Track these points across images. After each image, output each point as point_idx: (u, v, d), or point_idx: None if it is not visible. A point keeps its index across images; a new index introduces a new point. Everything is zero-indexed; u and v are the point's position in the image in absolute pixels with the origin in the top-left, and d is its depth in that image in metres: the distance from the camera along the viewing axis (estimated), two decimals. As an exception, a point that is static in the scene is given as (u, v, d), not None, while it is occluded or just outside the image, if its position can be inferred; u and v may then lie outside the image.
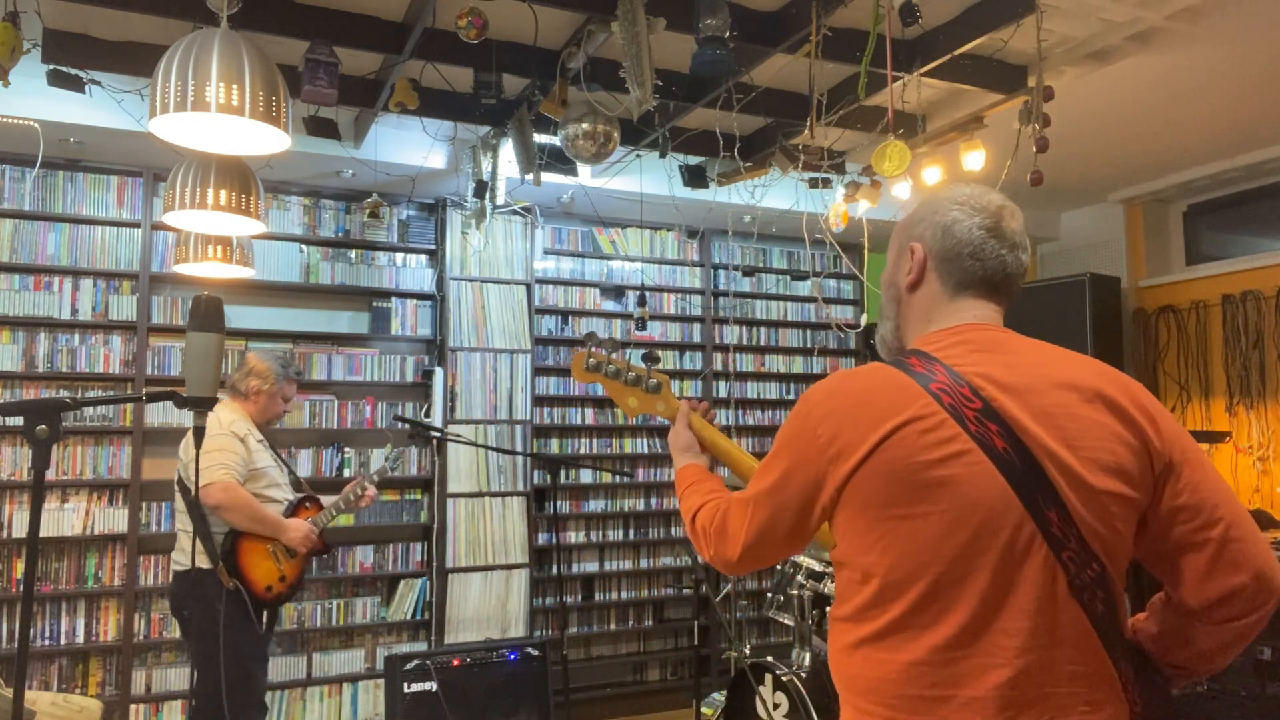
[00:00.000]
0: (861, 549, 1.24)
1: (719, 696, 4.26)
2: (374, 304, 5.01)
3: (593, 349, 1.76)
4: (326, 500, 3.63)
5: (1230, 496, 1.26)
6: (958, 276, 1.34)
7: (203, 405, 1.87)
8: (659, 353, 5.40)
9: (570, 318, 5.46)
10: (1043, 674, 1.17)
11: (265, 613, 3.39)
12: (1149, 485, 1.24)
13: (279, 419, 3.64)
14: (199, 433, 1.93)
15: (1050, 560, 1.18)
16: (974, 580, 1.18)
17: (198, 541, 3.29)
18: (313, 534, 3.47)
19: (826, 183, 4.70)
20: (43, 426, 1.58)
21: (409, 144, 4.52)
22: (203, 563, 3.30)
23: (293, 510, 3.50)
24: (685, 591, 5.49)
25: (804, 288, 6.10)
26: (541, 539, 5.17)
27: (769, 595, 3.91)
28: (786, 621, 3.77)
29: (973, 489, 1.18)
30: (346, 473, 4.82)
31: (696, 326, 5.76)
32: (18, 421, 1.63)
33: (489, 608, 4.93)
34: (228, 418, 3.40)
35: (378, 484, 3.74)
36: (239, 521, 3.29)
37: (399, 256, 5.11)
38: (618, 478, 5.45)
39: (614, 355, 1.77)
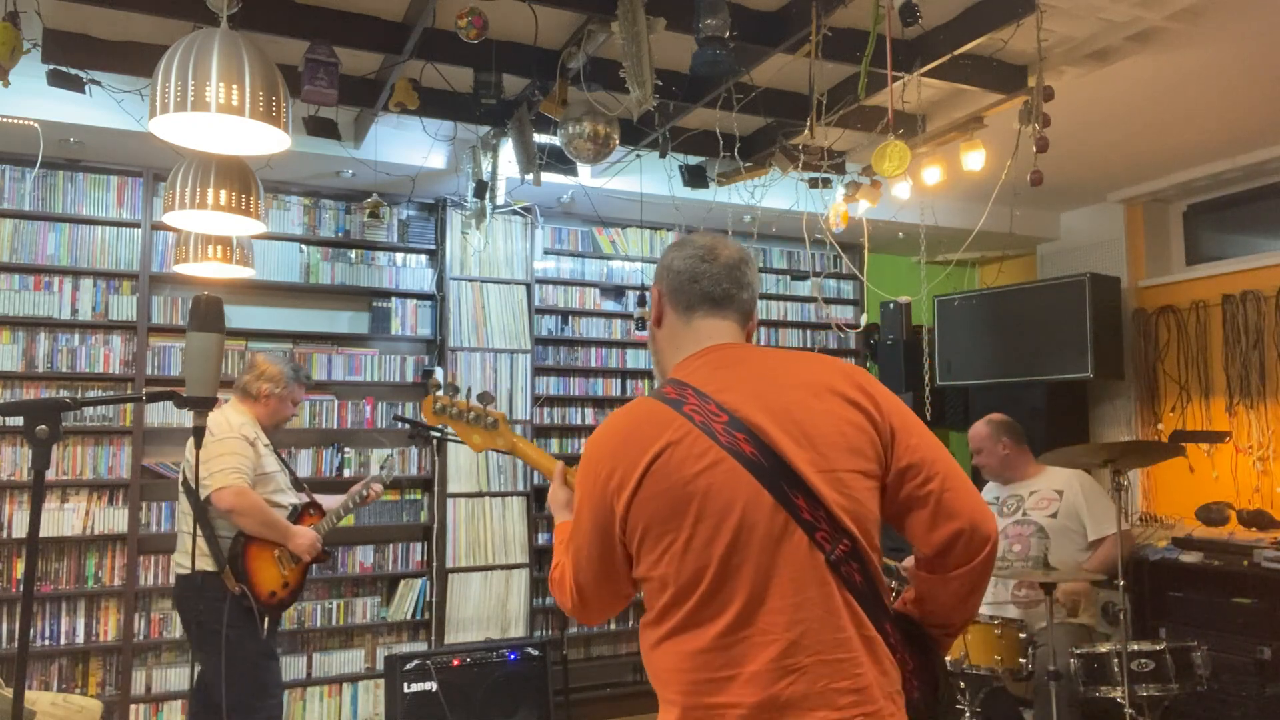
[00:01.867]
0: (652, 563, 1.39)
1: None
2: (374, 304, 5.00)
3: (437, 394, 1.95)
4: (328, 503, 3.63)
5: (945, 455, 1.46)
6: (684, 300, 1.55)
7: (203, 405, 1.88)
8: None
9: (570, 318, 5.46)
10: (812, 642, 1.32)
11: (267, 618, 3.37)
12: (881, 457, 1.42)
13: (286, 422, 3.62)
14: (199, 433, 1.93)
15: (805, 542, 1.34)
16: (743, 571, 1.34)
17: (202, 544, 3.27)
18: (318, 542, 3.47)
19: (826, 183, 4.70)
20: (43, 426, 1.58)
21: (409, 144, 4.52)
22: (206, 565, 3.27)
23: (297, 516, 3.48)
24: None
25: (804, 288, 6.10)
26: (541, 539, 5.17)
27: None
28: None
29: (730, 492, 1.34)
30: (347, 473, 4.82)
31: (696, 326, 5.74)
32: (18, 421, 1.64)
33: (489, 608, 4.93)
34: (237, 420, 3.38)
35: (386, 481, 3.78)
36: (250, 526, 3.26)
37: (399, 256, 5.11)
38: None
39: (456, 398, 1.96)
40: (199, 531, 3.28)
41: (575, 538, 1.50)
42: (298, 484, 3.63)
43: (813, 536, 1.34)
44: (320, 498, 3.66)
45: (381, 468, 4.04)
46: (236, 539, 3.27)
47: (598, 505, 1.43)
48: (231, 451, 3.26)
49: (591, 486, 1.45)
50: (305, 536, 3.42)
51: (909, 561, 1.55)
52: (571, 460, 1.89)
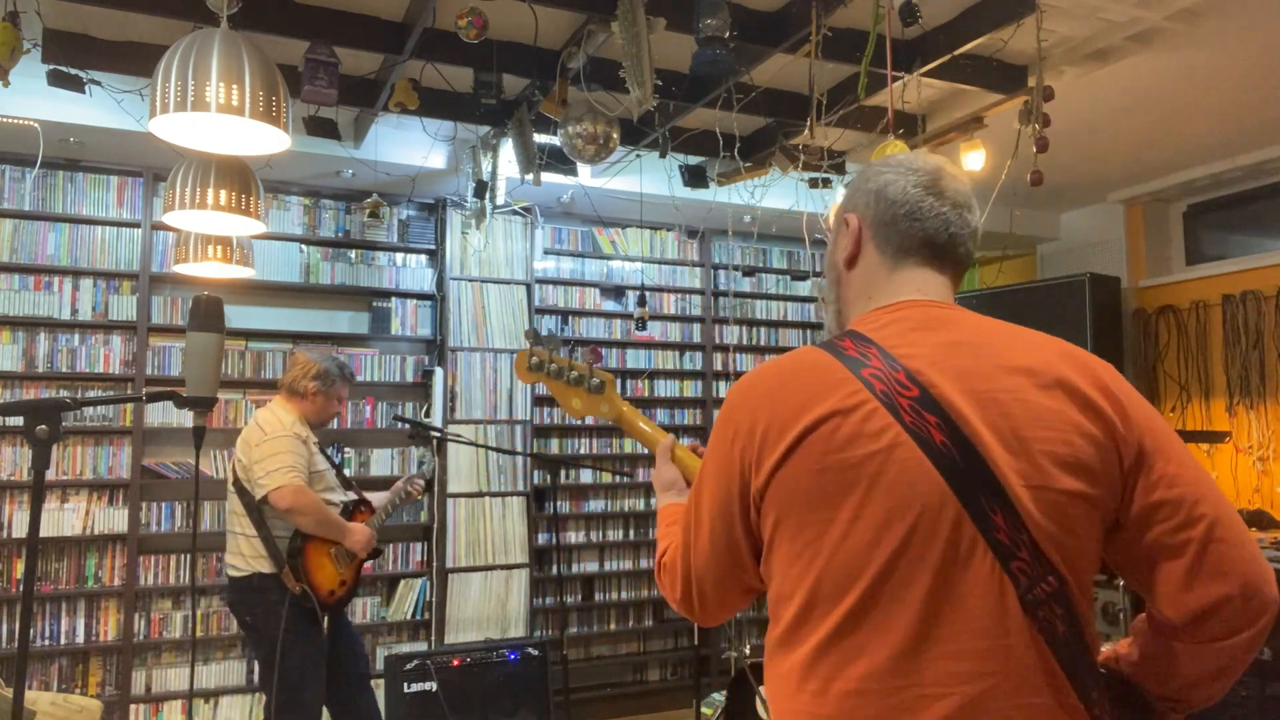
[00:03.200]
0: (787, 559, 1.10)
1: (719, 696, 4.25)
2: (374, 304, 5.00)
3: (534, 348, 1.68)
4: (375, 500, 3.65)
5: (1213, 492, 1.09)
6: (896, 242, 1.21)
7: (203, 405, 1.88)
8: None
9: (570, 318, 5.45)
10: (997, 706, 1.02)
11: (327, 617, 3.36)
12: (1116, 481, 1.08)
13: (332, 420, 3.62)
14: (199, 433, 1.93)
15: (996, 570, 1.03)
16: (909, 594, 1.03)
17: (259, 544, 3.25)
18: (373, 538, 3.48)
19: (826, 183, 4.70)
20: (43, 426, 1.58)
21: (409, 144, 4.52)
22: (263, 567, 3.25)
23: (349, 514, 3.48)
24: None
25: (804, 288, 6.09)
26: (541, 539, 5.17)
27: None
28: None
29: (906, 487, 1.04)
30: (347, 472, 4.80)
31: (696, 326, 5.76)
32: (18, 421, 1.64)
33: (489, 608, 4.93)
34: (288, 419, 3.37)
35: (428, 477, 3.86)
36: (308, 525, 3.24)
37: (399, 256, 5.11)
38: (618, 478, 5.45)
39: (555, 354, 1.68)
40: (252, 532, 3.26)
41: (695, 511, 1.20)
42: (345, 481, 3.63)
43: (1007, 565, 1.02)
44: (369, 497, 3.70)
45: (421, 464, 4.08)
46: (294, 538, 3.25)
47: (728, 470, 1.14)
48: (287, 450, 3.23)
49: (725, 447, 1.15)
50: (361, 533, 3.42)
51: (1139, 619, 1.22)
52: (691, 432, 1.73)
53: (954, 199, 1.21)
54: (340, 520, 3.38)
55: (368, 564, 4.75)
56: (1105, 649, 1.19)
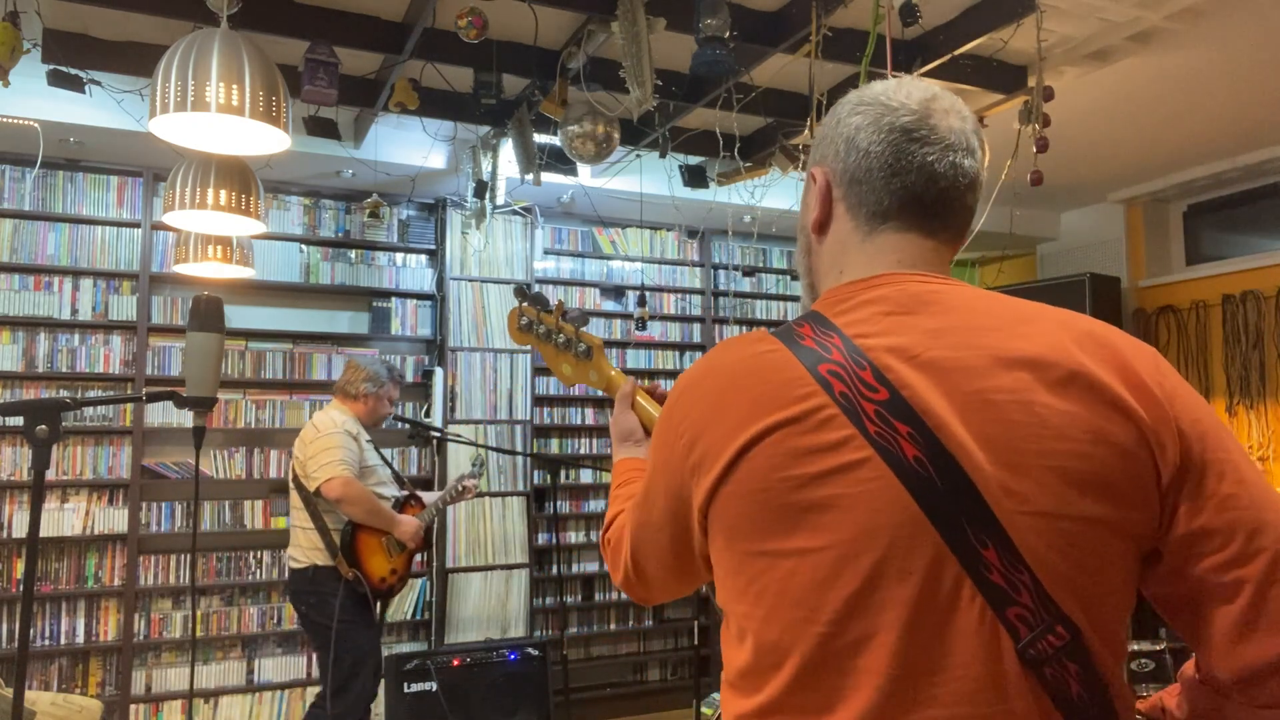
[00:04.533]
0: (733, 595, 0.91)
1: (719, 696, 4.26)
2: (374, 304, 5.00)
3: (524, 305, 1.48)
4: (428, 498, 3.89)
5: (1278, 517, 0.83)
6: (871, 203, 0.95)
7: (203, 405, 1.88)
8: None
9: (570, 318, 5.45)
10: None
11: (379, 604, 3.65)
12: (1153, 502, 0.83)
13: (385, 420, 3.87)
14: (199, 433, 1.93)
15: (988, 619, 0.81)
16: (875, 646, 0.82)
17: (314, 537, 3.51)
18: (421, 530, 3.72)
19: (826, 183, 4.70)
20: (43, 426, 1.58)
21: (409, 144, 4.52)
22: (319, 559, 3.51)
23: (400, 507, 3.74)
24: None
25: (804, 288, 6.08)
26: (541, 539, 5.17)
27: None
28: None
29: (868, 514, 0.83)
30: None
31: (696, 326, 5.76)
32: (18, 421, 1.64)
33: (489, 608, 4.93)
34: (340, 418, 3.64)
35: (478, 478, 4.03)
36: (357, 514, 3.50)
37: (399, 256, 5.11)
38: (618, 478, 5.44)
39: (543, 314, 1.47)
40: (309, 524, 3.52)
41: (642, 508, 1.03)
42: (399, 479, 3.91)
43: (1002, 613, 0.80)
44: (421, 495, 3.93)
45: (474, 464, 4.21)
46: (346, 527, 3.53)
47: (671, 476, 0.96)
48: (337, 445, 3.51)
49: (666, 453, 0.97)
50: (410, 524, 3.67)
51: (1187, 667, 0.93)
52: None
53: (948, 139, 0.94)
54: (390, 511, 3.63)
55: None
56: (1148, 699, 1.00)
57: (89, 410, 4.38)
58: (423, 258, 5.16)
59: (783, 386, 0.88)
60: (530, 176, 4.13)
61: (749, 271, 5.86)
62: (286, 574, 3.71)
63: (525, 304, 1.48)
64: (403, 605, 4.89)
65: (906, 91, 0.95)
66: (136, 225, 4.53)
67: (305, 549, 3.55)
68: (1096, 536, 0.82)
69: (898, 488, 0.82)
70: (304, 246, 4.88)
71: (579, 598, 5.34)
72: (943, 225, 0.96)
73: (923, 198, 0.94)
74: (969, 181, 0.96)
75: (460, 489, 3.90)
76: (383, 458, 3.85)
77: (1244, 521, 0.82)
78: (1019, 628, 0.80)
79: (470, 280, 5.10)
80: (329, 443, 3.51)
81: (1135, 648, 3.13)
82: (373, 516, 3.54)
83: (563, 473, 5.26)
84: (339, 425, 3.59)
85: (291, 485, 3.62)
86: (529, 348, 5.16)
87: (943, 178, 0.94)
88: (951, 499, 0.81)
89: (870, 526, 0.83)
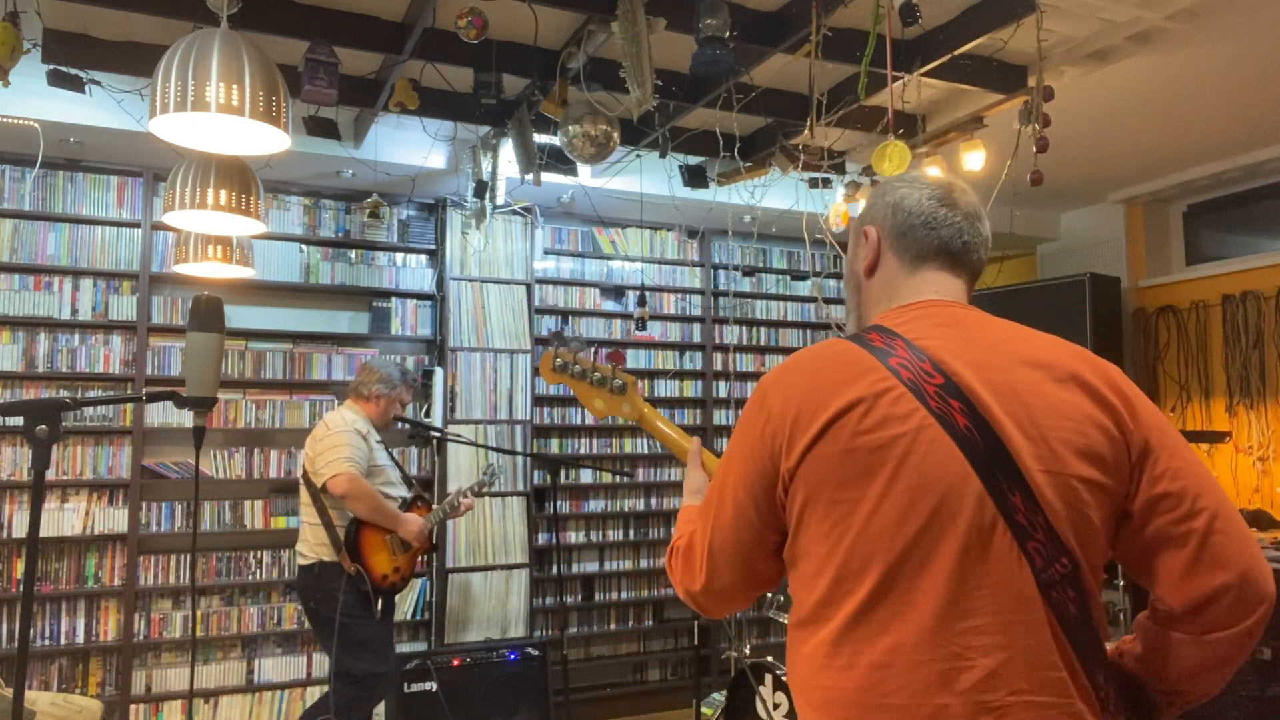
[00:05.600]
0: (816, 537, 1.14)
1: (719, 696, 4.25)
2: (374, 304, 5.00)
3: (559, 349, 1.70)
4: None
5: (1214, 486, 1.15)
6: (914, 250, 1.28)
7: (203, 405, 1.88)
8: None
9: (570, 318, 5.46)
10: (1017, 677, 1.06)
11: (381, 601, 3.70)
12: (1125, 472, 1.13)
13: (395, 422, 3.96)
14: (199, 433, 1.93)
15: (1015, 550, 1.08)
16: (933, 569, 1.08)
17: (321, 533, 3.59)
18: (426, 529, 3.77)
19: (826, 183, 4.70)
20: (43, 426, 1.58)
21: (409, 144, 4.52)
22: (326, 555, 3.59)
23: (407, 507, 3.79)
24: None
25: (804, 288, 6.09)
26: (541, 539, 5.17)
27: (769, 594, 3.91)
28: (786, 621, 3.77)
29: (932, 467, 1.09)
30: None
31: (696, 326, 5.76)
32: (18, 421, 1.64)
33: (489, 608, 4.93)
34: (351, 417, 3.73)
35: (477, 494, 4.07)
36: (362, 511, 3.56)
37: (399, 256, 5.11)
38: (618, 478, 5.45)
39: (580, 355, 1.71)
40: (316, 520, 3.59)
41: (718, 494, 1.23)
42: (408, 480, 3.96)
43: (1024, 545, 1.07)
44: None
45: (485, 473, 4.26)
46: (351, 523, 3.59)
47: (757, 453, 1.18)
48: (345, 443, 3.58)
49: (755, 430, 1.19)
50: (414, 523, 3.72)
51: (1141, 615, 1.27)
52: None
53: (966, 210, 1.29)
54: (395, 510, 3.69)
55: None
56: (1109, 646, 1.22)
57: (89, 410, 4.38)
58: (423, 258, 5.16)
59: (863, 372, 1.14)
60: (530, 176, 4.13)
61: (749, 271, 5.86)
62: (295, 570, 3.78)
63: (561, 347, 1.71)
64: (403, 605, 4.88)
65: (935, 176, 1.32)
66: (136, 225, 4.53)
67: (312, 544, 3.62)
68: (1090, 493, 1.11)
69: (952, 447, 1.09)
70: (304, 246, 4.88)
71: (579, 598, 5.34)
72: (966, 269, 1.30)
73: (950, 246, 1.28)
74: (982, 240, 1.31)
75: (455, 505, 3.98)
76: (393, 459, 3.91)
77: (1190, 489, 1.13)
78: (1036, 558, 1.08)
79: (470, 280, 5.10)
80: (338, 440, 3.58)
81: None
82: (377, 514, 3.60)
83: (563, 473, 5.26)
84: (349, 424, 3.66)
85: (301, 481, 3.70)
86: (529, 347, 5.19)
87: (966, 233, 1.28)
88: (990, 457, 1.09)
89: (934, 475, 1.09)
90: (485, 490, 4.28)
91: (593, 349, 1.43)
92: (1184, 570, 1.12)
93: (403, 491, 3.84)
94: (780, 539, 1.20)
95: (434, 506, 3.89)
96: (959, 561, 1.07)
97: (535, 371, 5.19)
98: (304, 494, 3.69)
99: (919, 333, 1.19)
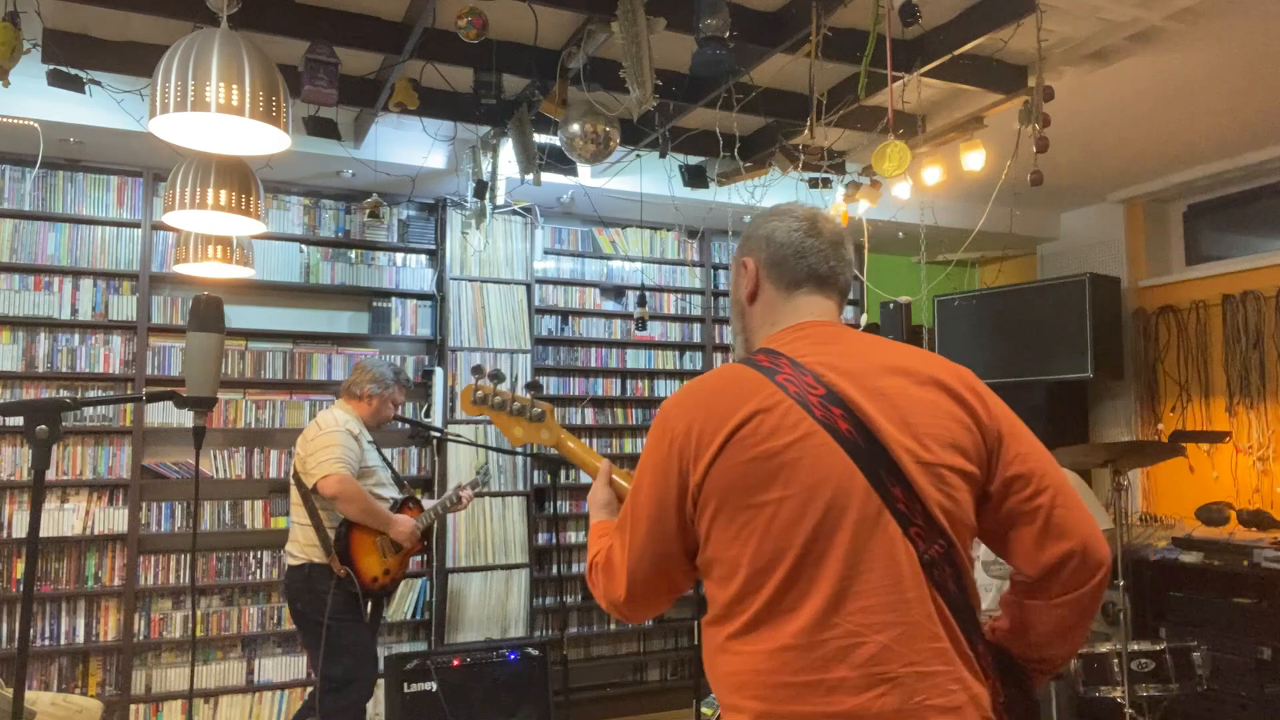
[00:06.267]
0: (725, 542, 1.26)
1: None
2: (374, 304, 5.00)
3: (479, 382, 1.80)
4: (427, 504, 3.89)
5: (1056, 469, 1.32)
6: (789, 276, 1.43)
7: (203, 405, 1.88)
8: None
9: (570, 318, 5.46)
10: (906, 650, 1.19)
11: (370, 603, 3.66)
12: (984, 460, 1.29)
13: (388, 422, 3.88)
14: (199, 433, 1.93)
15: (899, 535, 1.21)
16: (830, 559, 1.21)
17: (311, 534, 3.53)
18: (417, 531, 3.73)
19: (826, 183, 4.70)
20: (43, 427, 1.58)
21: (409, 144, 4.52)
22: (315, 556, 3.53)
23: (398, 508, 3.75)
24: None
25: (804, 288, 6.08)
26: (541, 539, 5.17)
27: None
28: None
29: (821, 469, 1.22)
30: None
31: (696, 326, 5.76)
32: (18, 421, 1.64)
33: (489, 608, 4.93)
34: (343, 417, 3.67)
35: (474, 491, 4.00)
36: (352, 512, 3.52)
37: (399, 256, 5.11)
38: (618, 478, 5.44)
39: (499, 387, 1.82)
40: (307, 521, 3.55)
41: (632, 512, 1.35)
42: (399, 482, 3.92)
43: (907, 531, 1.22)
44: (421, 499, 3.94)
45: (478, 472, 4.23)
46: (341, 525, 3.54)
47: (667, 471, 1.29)
48: (336, 444, 3.53)
49: (661, 451, 1.31)
50: (405, 525, 3.67)
51: (1005, 592, 1.41)
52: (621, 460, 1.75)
53: (830, 238, 1.44)
54: (385, 511, 3.64)
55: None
56: (985, 623, 1.38)
57: (89, 410, 4.38)
58: (423, 258, 5.16)
59: (754, 390, 1.27)
60: (530, 176, 4.13)
61: (749, 271, 5.85)
62: (284, 570, 3.74)
63: (480, 380, 1.81)
64: (403, 605, 4.88)
65: (801, 208, 1.47)
66: (136, 225, 4.53)
67: (302, 545, 3.57)
68: (956, 480, 1.26)
69: (838, 450, 1.23)
70: (304, 246, 4.88)
71: (579, 598, 5.34)
72: (835, 290, 1.45)
73: (818, 271, 1.43)
74: (846, 263, 1.46)
75: (456, 498, 3.91)
76: (385, 460, 3.87)
77: (1036, 470, 1.30)
78: (918, 541, 1.22)
79: (470, 280, 5.10)
80: (328, 440, 3.53)
81: (1135, 648, 3.13)
82: (367, 515, 3.56)
83: (563, 473, 5.25)
84: (340, 424, 3.61)
85: (292, 482, 3.65)
86: (529, 347, 5.19)
87: (832, 259, 1.43)
88: (871, 455, 1.23)
89: (824, 477, 1.22)
90: (479, 490, 4.25)
91: (510, 380, 1.56)
92: (1035, 541, 1.29)
93: (394, 493, 3.80)
94: (693, 548, 1.31)
95: (425, 507, 3.83)
96: (850, 550, 1.21)
97: (536, 372, 5.20)
98: (294, 494, 3.64)
99: (801, 351, 1.33)
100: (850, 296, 5.95)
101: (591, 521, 1.57)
